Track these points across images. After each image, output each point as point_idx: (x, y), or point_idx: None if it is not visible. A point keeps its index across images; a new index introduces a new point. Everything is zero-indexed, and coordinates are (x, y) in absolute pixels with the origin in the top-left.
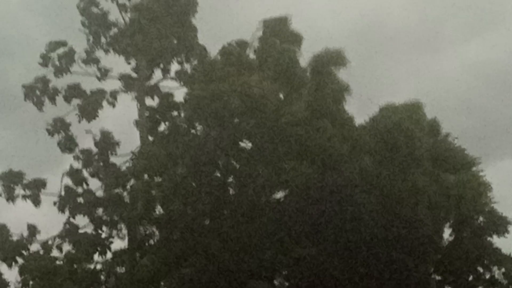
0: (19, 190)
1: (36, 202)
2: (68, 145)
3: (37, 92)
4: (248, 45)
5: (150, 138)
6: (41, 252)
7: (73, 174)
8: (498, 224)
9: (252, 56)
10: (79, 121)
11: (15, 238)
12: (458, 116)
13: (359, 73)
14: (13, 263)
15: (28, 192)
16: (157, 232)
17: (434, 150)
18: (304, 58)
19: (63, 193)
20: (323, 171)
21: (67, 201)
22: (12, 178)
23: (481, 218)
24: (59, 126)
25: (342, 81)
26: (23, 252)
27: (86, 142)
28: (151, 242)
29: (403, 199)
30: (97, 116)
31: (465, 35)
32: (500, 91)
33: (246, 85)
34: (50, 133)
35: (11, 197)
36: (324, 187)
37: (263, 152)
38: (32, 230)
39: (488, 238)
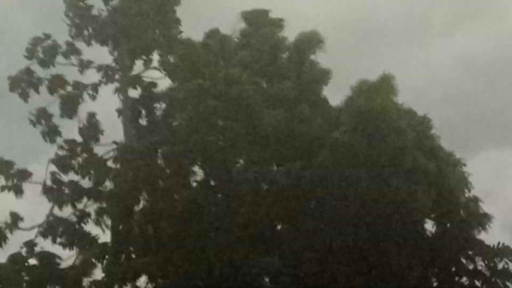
0: (3, 181)
1: (19, 191)
2: (51, 135)
3: (22, 84)
4: (228, 37)
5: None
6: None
7: (59, 161)
8: (479, 220)
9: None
10: (61, 115)
11: None
12: (443, 107)
13: (344, 64)
14: None
15: (10, 183)
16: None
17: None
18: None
19: (48, 180)
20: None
21: (52, 189)
22: (2, 167)
23: (463, 213)
24: (42, 116)
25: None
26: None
27: (70, 134)
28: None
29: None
30: (77, 111)
31: (452, 26)
32: (486, 82)
33: (228, 78)
34: (33, 123)
35: None
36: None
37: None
38: (15, 218)
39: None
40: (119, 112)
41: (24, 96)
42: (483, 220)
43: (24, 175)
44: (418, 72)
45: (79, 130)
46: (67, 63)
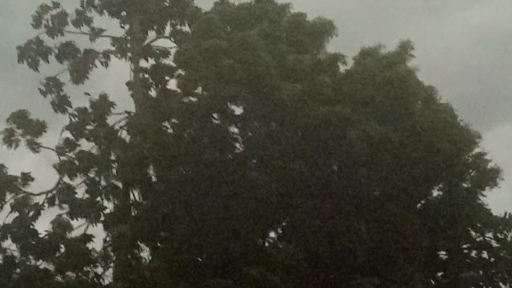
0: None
1: (35, 147)
2: (61, 105)
3: (31, 53)
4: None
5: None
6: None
7: (72, 127)
8: (489, 177)
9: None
10: (72, 81)
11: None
12: (458, 81)
13: (359, 36)
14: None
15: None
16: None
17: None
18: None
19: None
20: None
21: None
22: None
23: (472, 173)
24: (52, 85)
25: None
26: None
27: (81, 103)
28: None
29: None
30: (88, 77)
31: (469, 0)
32: (503, 55)
33: (244, 44)
34: (43, 93)
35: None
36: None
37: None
38: (26, 178)
39: (479, 198)
40: (129, 84)
41: (34, 65)
42: (492, 176)
43: (41, 127)
44: (433, 44)
45: (90, 104)
46: (76, 31)
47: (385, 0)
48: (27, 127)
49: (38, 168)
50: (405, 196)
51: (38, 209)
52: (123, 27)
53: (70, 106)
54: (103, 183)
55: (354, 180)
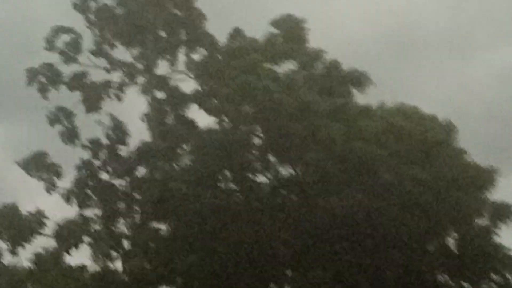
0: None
1: (51, 187)
2: (71, 136)
3: (42, 78)
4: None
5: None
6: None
7: (85, 166)
8: (502, 214)
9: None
10: (85, 111)
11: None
12: (481, 123)
13: (385, 75)
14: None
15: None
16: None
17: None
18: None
19: (73, 186)
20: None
21: (78, 194)
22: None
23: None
24: (62, 115)
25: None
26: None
27: (92, 131)
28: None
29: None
30: (100, 107)
31: (495, 41)
32: None
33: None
34: (51, 122)
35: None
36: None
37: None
38: (41, 215)
39: (495, 238)
40: (145, 115)
41: (44, 92)
42: (506, 212)
43: (58, 171)
44: (458, 85)
45: (106, 135)
46: (90, 63)
47: (411, 40)
48: (44, 170)
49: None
50: (426, 236)
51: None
52: (134, 56)
53: (78, 139)
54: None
55: (385, 218)
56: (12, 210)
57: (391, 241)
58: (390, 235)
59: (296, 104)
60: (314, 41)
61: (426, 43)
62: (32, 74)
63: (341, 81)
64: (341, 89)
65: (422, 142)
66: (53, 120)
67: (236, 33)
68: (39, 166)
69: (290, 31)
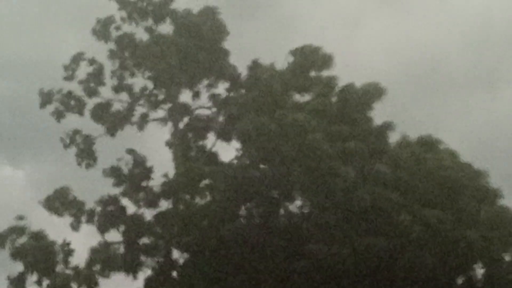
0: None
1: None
2: (88, 160)
3: (59, 104)
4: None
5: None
6: None
7: (110, 200)
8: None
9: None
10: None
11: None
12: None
13: (411, 110)
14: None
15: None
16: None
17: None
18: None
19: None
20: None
21: (104, 226)
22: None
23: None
24: (79, 139)
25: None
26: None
27: (110, 157)
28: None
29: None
30: (118, 131)
31: None
32: None
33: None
34: (65, 145)
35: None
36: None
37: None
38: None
39: None
40: (169, 144)
41: (58, 116)
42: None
43: (82, 209)
44: (484, 120)
45: (129, 172)
46: (112, 94)
47: (434, 73)
48: (67, 207)
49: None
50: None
51: None
52: (157, 87)
53: (95, 161)
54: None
55: (407, 260)
56: (40, 239)
57: (410, 279)
58: (412, 273)
59: (300, 148)
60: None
61: (452, 78)
62: (46, 97)
63: (357, 103)
64: (356, 115)
65: (444, 180)
66: (68, 142)
67: (255, 66)
68: (62, 203)
69: (309, 60)
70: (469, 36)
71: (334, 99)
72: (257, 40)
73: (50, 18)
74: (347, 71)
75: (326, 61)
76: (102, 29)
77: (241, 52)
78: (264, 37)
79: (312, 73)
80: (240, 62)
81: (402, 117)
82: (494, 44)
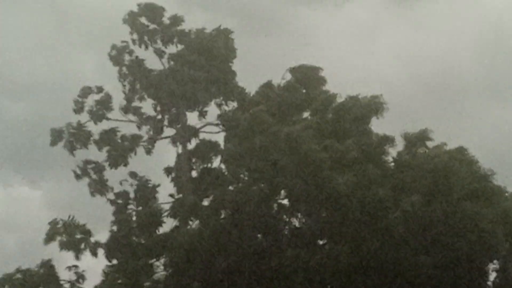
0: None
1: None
2: (101, 189)
3: (71, 138)
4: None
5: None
6: None
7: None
8: None
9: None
10: (110, 166)
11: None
12: None
13: (424, 120)
14: None
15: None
16: None
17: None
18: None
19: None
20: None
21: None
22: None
23: None
24: (90, 168)
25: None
26: None
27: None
28: None
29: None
30: (127, 162)
31: None
32: None
33: (291, 138)
34: (77, 176)
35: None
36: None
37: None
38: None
39: None
40: (175, 167)
41: (71, 149)
42: None
43: (87, 236)
44: (498, 131)
45: (135, 193)
46: (121, 119)
47: (447, 84)
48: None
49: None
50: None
51: None
52: (165, 110)
53: (107, 191)
54: None
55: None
56: (47, 269)
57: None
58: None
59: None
60: (353, 86)
61: (464, 88)
62: (57, 134)
63: (353, 118)
64: (355, 129)
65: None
66: (80, 174)
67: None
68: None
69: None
70: (481, 46)
71: (330, 116)
72: (271, 56)
73: (64, 40)
74: (360, 83)
75: (321, 80)
76: (116, 55)
77: (254, 69)
78: (280, 53)
79: (309, 91)
80: (253, 79)
81: (414, 126)
82: (506, 54)
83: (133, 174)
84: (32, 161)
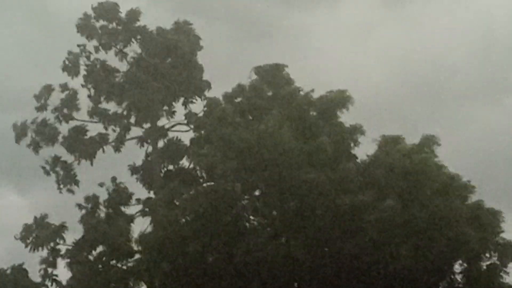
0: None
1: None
2: (69, 186)
3: (36, 137)
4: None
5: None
6: None
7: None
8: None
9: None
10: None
11: None
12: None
13: (412, 121)
14: None
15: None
16: None
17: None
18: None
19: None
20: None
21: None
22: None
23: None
24: (58, 165)
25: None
26: None
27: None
28: None
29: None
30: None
31: None
32: None
33: (265, 133)
34: (46, 172)
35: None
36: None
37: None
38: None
39: (503, 277)
40: (143, 167)
41: (35, 147)
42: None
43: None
44: (486, 131)
45: (108, 197)
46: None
47: (437, 85)
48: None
49: None
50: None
51: None
52: (130, 110)
53: (77, 185)
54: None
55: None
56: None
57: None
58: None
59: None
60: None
61: (456, 89)
62: (20, 130)
63: (319, 111)
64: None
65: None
66: (48, 170)
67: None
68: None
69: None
70: (473, 48)
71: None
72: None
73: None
74: (352, 83)
75: (287, 79)
76: (71, 63)
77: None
78: (276, 52)
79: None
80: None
81: (405, 127)
82: (498, 56)
83: (113, 179)
84: (20, 169)
